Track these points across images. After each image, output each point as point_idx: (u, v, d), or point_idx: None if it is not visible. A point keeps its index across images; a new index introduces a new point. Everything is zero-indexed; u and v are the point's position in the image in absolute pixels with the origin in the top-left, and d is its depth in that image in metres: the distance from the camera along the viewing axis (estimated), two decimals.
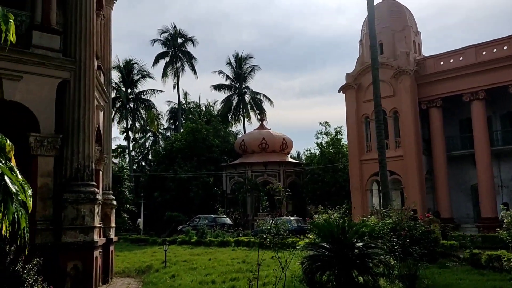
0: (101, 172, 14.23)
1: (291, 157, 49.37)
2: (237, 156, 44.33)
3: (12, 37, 3.44)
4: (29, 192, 3.28)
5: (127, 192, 40.94)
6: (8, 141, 3.26)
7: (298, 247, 12.14)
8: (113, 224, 15.15)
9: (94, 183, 11.89)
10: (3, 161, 3.05)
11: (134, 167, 56.15)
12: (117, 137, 59.79)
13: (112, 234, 14.81)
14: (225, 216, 32.77)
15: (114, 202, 15.43)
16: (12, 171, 3.07)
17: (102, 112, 14.55)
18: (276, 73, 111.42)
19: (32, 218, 10.68)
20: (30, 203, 3.31)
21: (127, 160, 51.50)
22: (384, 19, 32.09)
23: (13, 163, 3.27)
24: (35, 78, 11.17)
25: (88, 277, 11.04)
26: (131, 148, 61.34)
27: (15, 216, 2.84)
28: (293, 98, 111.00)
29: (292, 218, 28.48)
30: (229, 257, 18.68)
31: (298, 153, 59.09)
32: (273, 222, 13.64)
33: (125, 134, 50.34)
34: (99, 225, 12.20)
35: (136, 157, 59.46)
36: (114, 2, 16.36)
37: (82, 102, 11.70)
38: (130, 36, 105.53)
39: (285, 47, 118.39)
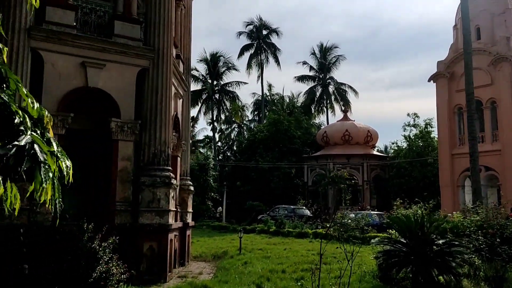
0: (179, 159, 14.64)
1: (377, 150, 47.54)
2: (319, 148, 43.64)
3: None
4: (68, 163, 3.27)
5: (211, 180, 42.15)
6: (47, 112, 3.28)
7: (373, 241, 11.52)
8: (190, 209, 15.54)
9: (170, 168, 12.21)
10: (38, 131, 3.06)
11: (220, 157, 57.78)
12: (205, 128, 61.98)
13: (189, 219, 15.20)
14: (304, 207, 32.41)
15: (192, 188, 15.82)
16: (48, 142, 3.07)
17: (181, 100, 14.94)
18: (365, 64, 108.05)
19: (113, 199, 11.28)
20: (70, 173, 3.31)
21: (214, 150, 53.09)
22: (481, 1, 29.40)
23: (51, 134, 3.28)
24: (116, 66, 11.70)
25: (162, 258, 11.39)
26: (217, 139, 63.24)
27: (44, 186, 2.81)
28: (381, 90, 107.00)
29: (374, 212, 27.34)
30: (304, 248, 18.39)
31: (386, 147, 56.60)
32: (352, 216, 13.14)
33: (211, 125, 51.90)
34: (174, 209, 12.55)
35: (221, 148, 61.12)
36: None
37: (159, 90, 12.05)
38: (219, 30, 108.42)
39: (375, 37, 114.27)
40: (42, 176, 2.80)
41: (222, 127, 60.23)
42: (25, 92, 3.16)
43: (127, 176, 11.56)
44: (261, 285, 10.01)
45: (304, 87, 55.80)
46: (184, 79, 15.23)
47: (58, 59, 10.97)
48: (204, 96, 49.81)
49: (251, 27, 52.95)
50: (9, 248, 9.12)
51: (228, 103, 50.78)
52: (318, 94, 53.61)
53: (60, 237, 9.57)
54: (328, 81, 53.33)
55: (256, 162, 41.33)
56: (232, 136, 61.50)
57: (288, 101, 58.93)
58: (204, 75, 49.85)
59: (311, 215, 31.10)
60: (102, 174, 11.98)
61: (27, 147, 2.79)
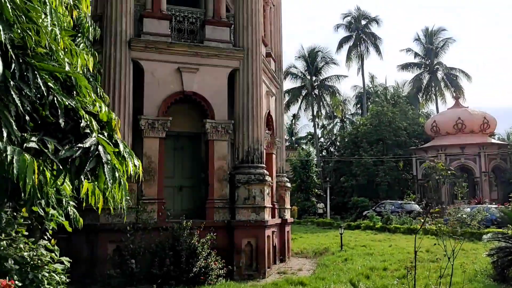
0: (274, 156, 14.77)
1: (498, 138, 43.30)
2: (428, 139, 40.96)
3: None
4: (136, 162, 3.45)
5: (314, 177, 41.89)
6: (115, 115, 3.48)
7: (485, 237, 10.49)
8: (287, 206, 15.59)
9: (264, 166, 12.37)
10: (105, 134, 3.26)
11: (323, 153, 57.23)
12: (307, 125, 61.69)
13: (287, 215, 15.25)
14: (413, 202, 30.70)
15: (288, 185, 15.85)
16: (115, 144, 3.27)
17: (273, 98, 15.05)
18: (478, 45, 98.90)
19: (211, 197, 11.74)
20: (140, 171, 3.49)
21: (316, 146, 52.79)
22: None
23: (118, 136, 3.48)
24: (209, 69, 12.16)
25: (261, 254, 11.58)
26: (320, 135, 62.74)
27: (109, 186, 2.99)
28: (503, 72, 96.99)
29: (492, 206, 24.90)
30: (412, 245, 17.39)
31: (509, 135, 51.09)
32: (468, 210, 12.13)
33: (312, 121, 51.64)
34: (270, 205, 12.68)
35: (324, 143, 60.51)
36: None
37: (250, 89, 12.27)
38: (316, 25, 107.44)
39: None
40: (107, 175, 2.98)
41: (324, 123, 59.62)
42: (94, 98, 3.39)
43: (223, 174, 11.95)
44: (358, 282, 9.66)
45: (409, 75, 52.94)
46: (276, 77, 15.31)
47: (156, 67, 11.72)
48: (303, 93, 49.71)
49: (349, 18, 51.59)
50: (118, 245, 9.98)
51: (328, 98, 50.06)
52: (425, 81, 50.38)
53: (162, 234, 10.23)
54: (436, 67, 49.85)
55: (359, 157, 40.15)
56: (335, 131, 60.56)
57: (392, 91, 56.36)
58: (303, 71, 49.73)
59: (420, 210, 29.34)
60: (200, 173, 12.52)
61: (92, 148, 2.98)
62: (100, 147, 3.01)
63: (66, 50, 4.62)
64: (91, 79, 8.14)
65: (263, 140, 12.57)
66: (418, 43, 50.83)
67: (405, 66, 51.26)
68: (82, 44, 7.60)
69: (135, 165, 3.42)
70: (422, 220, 23.59)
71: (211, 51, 12.17)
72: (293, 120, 62.56)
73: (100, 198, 3.56)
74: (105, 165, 2.95)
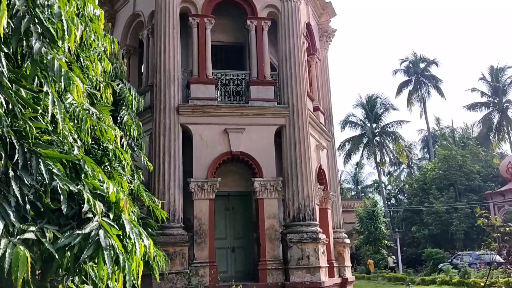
0: (329, 211, 14.29)
1: None
2: (505, 181, 38.03)
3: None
4: (146, 242, 3.40)
5: (383, 227, 39.95)
6: (123, 195, 3.49)
7: None
8: (347, 263, 14.84)
9: (317, 223, 11.97)
10: (111, 215, 3.26)
11: (392, 201, 54.86)
12: (372, 172, 59.94)
13: (348, 274, 14.47)
14: (492, 252, 28.13)
15: (347, 241, 15.15)
16: (122, 226, 3.25)
17: (324, 151, 14.78)
18: None
19: (263, 258, 11.44)
20: (151, 251, 3.42)
21: (382, 194, 50.80)
22: None
23: (126, 215, 3.47)
24: (255, 128, 12.27)
25: None
26: (386, 182, 60.46)
27: (109, 272, 2.94)
28: None
29: None
30: None
31: None
32: None
33: (378, 168, 50.09)
34: (326, 265, 12.11)
35: (392, 191, 58.14)
36: (329, 43, 16.80)
37: (297, 145, 12.16)
38: (371, 73, 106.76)
39: None
40: (107, 261, 2.94)
41: (390, 169, 57.61)
42: (99, 179, 3.44)
43: (274, 233, 11.68)
44: None
45: (477, 115, 50.41)
46: (326, 130, 15.12)
47: (203, 129, 12.02)
48: (365, 140, 48.61)
49: (406, 63, 50.74)
50: None
51: (391, 145, 48.55)
52: (495, 121, 47.53)
53: None
54: (505, 105, 47.05)
55: (429, 204, 37.93)
56: (402, 177, 58.23)
57: (461, 132, 53.69)
58: (362, 119, 48.91)
59: (502, 260, 26.77)
60: (252, 233, 12.33)
61: (92, 233, 2.98)
62: (101, 232, 3.00)
63: (95, 128, 4.81)
64: (135, 148, 8.48)
65: (314, 196, 12.25)
66: (483, 82, 48.58)
67: (472, 106, 48.92)
68: (126, 116, 7.97)
69: (145, 245, 3.37)
70: (505, 272, 21.45)
71: (256, 110, 12.33)
72: (357, 169, 61.11)
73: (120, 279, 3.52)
74: (104, 251, 2.91)
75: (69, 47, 3.73)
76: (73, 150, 3.42)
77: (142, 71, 14.33)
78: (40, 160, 2.98)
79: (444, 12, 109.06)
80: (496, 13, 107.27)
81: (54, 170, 3.06)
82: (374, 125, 48.32)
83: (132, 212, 5.97)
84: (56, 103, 3.01)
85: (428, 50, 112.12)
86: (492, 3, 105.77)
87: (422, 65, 50.46)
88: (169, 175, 11.27)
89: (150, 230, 7.92)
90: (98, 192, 3.37)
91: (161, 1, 12.29)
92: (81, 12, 5.11)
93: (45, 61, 2.77)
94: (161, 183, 11.23)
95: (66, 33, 2.90)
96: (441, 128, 56.28)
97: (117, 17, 14.99)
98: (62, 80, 2.84)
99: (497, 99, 47.64)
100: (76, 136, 3.59)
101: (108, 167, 6.27)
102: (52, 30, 2.91)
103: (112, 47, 6.90)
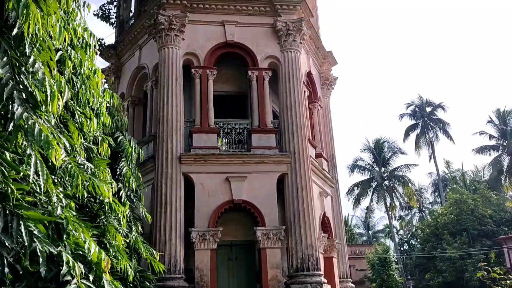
0: (334, 260, 14.00)
1: None
2: None
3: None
4: None
5: (396, 274, 38.79)
6: (104, 255, 3.48)
7: None
8: None
9: (321, 273, 11.71)
10: (91, 277, 3.25)
11: (404, 246, 53.61)
12: (383, 217, 59.00)
13: None
14: None
15: None
16: (102, 286, 3.23)
17: (328, 198, 14.67)
18: None
19: None
20: None
21: (394, 240, 49.72)
22: None
23: (107, 276, 3.45)
24: (256, 176, 12.27)
25: None
26: (398, 227, 59.33)
27: None
28: None
29: None
30: None
31: None
32: None
33: (388, 213, 49.32)
34: None
35: (404, 236, 56.97)
36: (331, 91, 17.04)
37: (300, 192, 12.09)
38: (377, 117, 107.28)
39: None
40: None
41: (401, 214, 56.66)
42: (83, 239, 3.45)
43: (277, 284, 11.43)
44: None
45: (487, 158, 49.90)
46: (330, 176, 15.06)
47: (205, 178, 12.05)
48: (373, 185, 48.19)
49: (412, 107, 51.06)
50: None
51: (400, 189, 48.02)
52: (505, 164, 47.01)
53: None
54: None
55: (442, 250, 36.94)
56: (414, 222, 57.18)
57: (472, 176, 53.02)
58: (370, 163, 48.71)
59: None
60: (256, 283, 12.07)
61: None
62: None
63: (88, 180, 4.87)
64: (134, 200, 8.50)
65: (317, 244, 12.03)
66: (491, 125, 48.49)
67: (481, 150, 48.58)
68: (125, 168, 8.05)
69: None
70: None
71: (258, 158, 12.37)
72: (367, 213, 60.24)
73: None
74: None
75: (61, 105, 3.85)
76: (57, 210, 3.45)
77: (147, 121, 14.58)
78: (21, 222, 3.01)
79: (449, 56, 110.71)
80: (501, 56, 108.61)
81: (34, 232, 3.08)
82: (383, 169, 48.06)
83: (129, 266, 5.92)
84: (39, 165, 3.08)
85: (433, 93, 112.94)
86: (494, 46, 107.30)
87: (428, 109, 50.72)
88: (171, 225, 11.21)
89: (147, 283, 7.81)
90: (80, 252, 3.37)
91: (164, 54, 12.68)
92: (78, 71, 5.30)
93: (26, 126, 2.87)
94: (162, 233, 11.16)
95: (49, 98, 3.02)
96: (451, 171, 55.71)
97: (123, 69, 15.45)
98: (42, 144, 2.92)
99: (506, 141, 47.36)
100: (61, 195, 3.63)
101: (104, 220, 6.28)
102: (37, 94, 3.02)
103: (112, 101, 7.08)
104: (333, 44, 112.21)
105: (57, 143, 3.12)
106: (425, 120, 50.12)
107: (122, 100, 14.31)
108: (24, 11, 2.78)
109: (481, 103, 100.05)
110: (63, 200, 3.62)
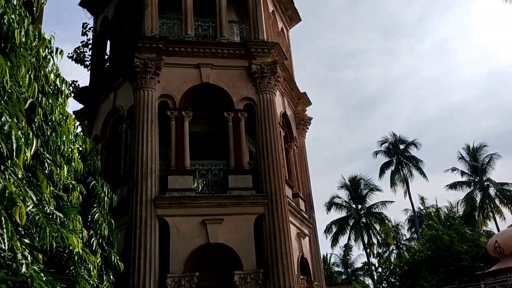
0: None
1: None
2: (494, 261, 37.46)
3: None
4: None
5: None
6: None
7: None
8: None
9: None
10: None
11: (383, 284, 53.22)
12: (362, 254, 58.76)
13: None
14: None
15: None
16: None
17: (306, 239, 14.54)
18: None
19: None
20: None
21: (373, 278, 49.44)
22: None
23: None
24: (233, 218, 12.11)
25: None
26: (376, 265, 59.08)
27: None
28: None
29: None
30: None
31: None
32: None
33: (366, 250, 49.21)
34: None
35: (383, 273, 56.65)
36: (306, 131, 17.25)
37: (277, 234, 11.95)
38: (354, 155, 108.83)
39: None
40: None
41: (379, 251, 56.57)
42: None
43: None
44: None
45: (460, 194, 50.93)
46: (307, 217, 15.00)
47: (181, 222, 11.81)
48: (351, 222, 48.27)
49: (386, 144, 52.08)
50: None
51: (377, 226, 48.20)
52: (478, 199, 47.97)
53: None
54: (486, 183, 47.80)
55: (420, 287, 36.80)
56: (392, 259, 57.10)
57: (446, 211, 53.72)
58: (347, 200, 48.97)
59: None
60: None
61: None
62: None
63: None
64: (106, 247, 8.21)
65: (295, 287, 11.80)
66: (462, 161, 49.75)
67: (454, 186, 49.59)
68: (97, 214, 7.83)
69: None
70: None
71: (235, 200, 12.25)
72: (345, 251, 59.95)
73: None
74: None
75: (29, 157, 3.74)
76: (22, 269, 3.28)
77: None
78: None
79: (419, 92, 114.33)
80: (466, 91, 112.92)
81: None
82: (359, 206, 48.32)
83: None
84: (3, 221, 2.94)
85: (405, 130, 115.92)
86: (457, 84, 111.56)
87: (402, 146, 51.78)
88: (145, 271, 10.85)
89: None
90: None
91: (140, 96, 12.67)
92: (49, 118, 5.20)
93: None
94: (136, 279, 10.77)
95: (15, 152, 2.92)
96: (426, 207, 56.34)
97: (97, 111, 15.31)
98: (6, 202, 2.80)
99: (478, 177, 48.52)
100: (27, 251, 3.46)
101: (73, 272, 6.04)
102: (3, 148, 2.92)
103: (84, 145, 6.95)
104: (307, 84, 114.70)
105: (24, 198, 3.00)
106: (399, 157, 51.05)
107: (96, 142, 14.11)
108: None
109: (451, 139, 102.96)
110: (29, 257, 3.44)
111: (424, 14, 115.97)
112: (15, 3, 4.44)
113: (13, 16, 3.84)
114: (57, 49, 5.38)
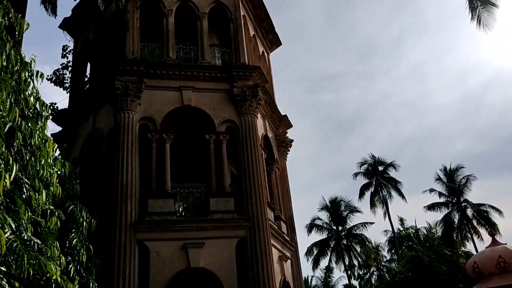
0: None
1: None
2: (474, 281, 37.80)
3: None
4: None
5: None
6: None
7: None
8: None
9: None
10: None
11: None
12: (343, 276, 58.50)
13: None
14: None
15: None
16: None
17: (288, 262, 14.44)
18: (504, 177, 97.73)
19: None
20: None
21: None
22: None
23: None
24: (215, 242, 11.96)
25: None
26: (358, 287, 58.81)
27: None
28: None
29: None
30: None
31: None
32: None
33: (347, 272, 49.08)
34: None
35: None
36: (288, 153, 17.32)
37: (260, 257, 11.85)
38: (334, 176, 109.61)
39: (509, 146, 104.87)
40: None
41: (360, 273, 56.44)
42: None
43: None
44: None
45: (438, 215, 51.56)
46: (289, 239, 14.93)
47: (161, 246, 11.61)
48: (332, 244, 48.19)
49: (365, 166, 52.58)
50: None
51: (358, 247, 48.24)
52: (456, 220, 48.57)
53: None
54: (463, 204, 48.53)
55: None
56: (373, 280, 57.01)
57: (425, 232, 54.16)
58: (328, 222, 48.97)
59: None
60: None
61: None
62: None
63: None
64: (84, 274, 8.00)
65: None
66: (439, 183, 50.51)
67: (432, 207, 50.14)
68: (75, 240, 7.67)
69: None
70: None
71: (216, 223, 12.15)
72: (327, 273, 59.63)
73: None
74: None
75: (8, 183, 3.66)
76: None
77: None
78: None
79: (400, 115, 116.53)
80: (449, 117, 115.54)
81: None
82: (340, 227, 48.36)
83: None
84: None
85: (391, 151, 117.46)
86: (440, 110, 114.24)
87: (381, 168, 52.30)
88: None
89: None
90: None
91: (120, 119, 12.57)
92: (28, 142, 5.10)
93: None
94: None
95: None
96: (405, 228, 56.69)
97: (77, 133, 15.08)
98: None
99: (455, 198, 49.24)
100: (5, 280, 3.34)
101: None
102: None
103: (63, 169, 6.84)
104: (287, 106, 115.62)
105: (2, 225, 2.92)
106: (378, 179, 51.50)
107: (75, 165, 13.85)
108: None
109: (427, 160, 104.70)
110: (6, 286, 3.33)
111: (399, 38, 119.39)
112: None
113: None
114: (37, 72, 5.33)
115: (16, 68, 4.00)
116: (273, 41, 19.45)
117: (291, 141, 17.40)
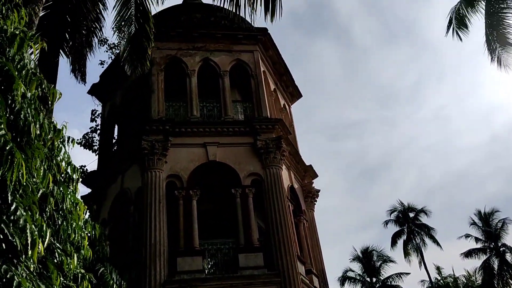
0: None
1: None
2: None
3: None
4: None
5: None
6: None
7: None
8: None
9: None
10: None
11: None
12: None
13: None
14: None
15: None
16: None
17: None
18: None
19: None
20: None
21: None
22: None
23: None
24: None
25: None
26: None
27: None
28: None
29: None
30: None
31: None
32: None
33: None
34: None
35: None
36: (315, 203, 17.08)
37: None
38: (363, 224, 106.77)
39: None
40: None
41: None
42: None
43: None
44: None
45: (476, 262, 49.10)
46: None
47: None
48: None
49: (395, 213, 51.17)
50: None
51: None
52: (496, 266, 46.20)
53: None
54: (501, 249, 46.29)
55: None
56: None
57: (464, 281, 51.48)
58: (361, 274, 47.19)
59: None
60: None
61: None
62: None
63: None
64: None
65: None
66: (474, 228, 48.56)
67: (469, 253, 47.92)
68: None
69: None
70: None
71: (246, 280, 11.88)
72: None
73: None
74: None
75: (42, 250, 3.69)
76: None
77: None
78: None
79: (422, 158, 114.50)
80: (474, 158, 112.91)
81: None
82: (374, 279, 46.46)
83: None
84: None
85: (412, 197, 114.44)
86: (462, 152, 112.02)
87: (411, 214, 50.82)
88: None
89: None
90: None
91: (147, 178, 12.75)
92: (60, 206, 5.19)
93: (4, 280, 2.70)
94: None
95: (30, 245, 2.90)
96: (443, 277, 54.14)
97: (106, 194, 15.30)
98: None
99: (493, 243, 47.08)
100: None
101: None
102: (18, 243, 2.89)
103: (94, 232, 6.90)
104: (310, 156, 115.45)
105: None
106: (410, 226, 49.92)
107: (104, 226, 13.94)
108: (9, 159, 2.79)
109: (459, 205, 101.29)
110: None
111: (419, 83, 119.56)
112: (29, 97, 4.63)
113: (28, 111, 3.98)
114: (68, 137, 5.51)
115: (49, 136, 4.15)
116: (294, 94, 19.76)
117: (318, 191, 17.20)
